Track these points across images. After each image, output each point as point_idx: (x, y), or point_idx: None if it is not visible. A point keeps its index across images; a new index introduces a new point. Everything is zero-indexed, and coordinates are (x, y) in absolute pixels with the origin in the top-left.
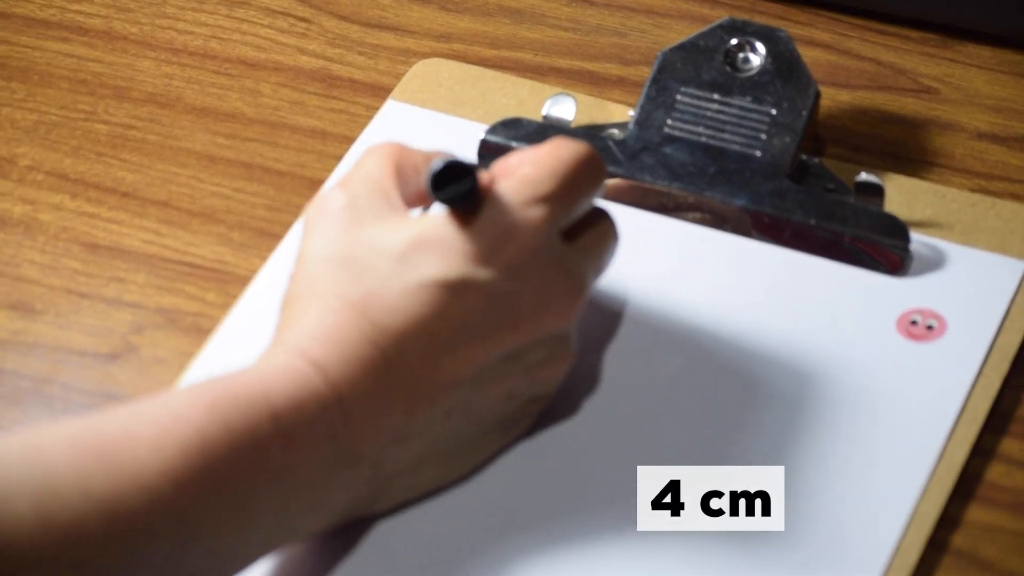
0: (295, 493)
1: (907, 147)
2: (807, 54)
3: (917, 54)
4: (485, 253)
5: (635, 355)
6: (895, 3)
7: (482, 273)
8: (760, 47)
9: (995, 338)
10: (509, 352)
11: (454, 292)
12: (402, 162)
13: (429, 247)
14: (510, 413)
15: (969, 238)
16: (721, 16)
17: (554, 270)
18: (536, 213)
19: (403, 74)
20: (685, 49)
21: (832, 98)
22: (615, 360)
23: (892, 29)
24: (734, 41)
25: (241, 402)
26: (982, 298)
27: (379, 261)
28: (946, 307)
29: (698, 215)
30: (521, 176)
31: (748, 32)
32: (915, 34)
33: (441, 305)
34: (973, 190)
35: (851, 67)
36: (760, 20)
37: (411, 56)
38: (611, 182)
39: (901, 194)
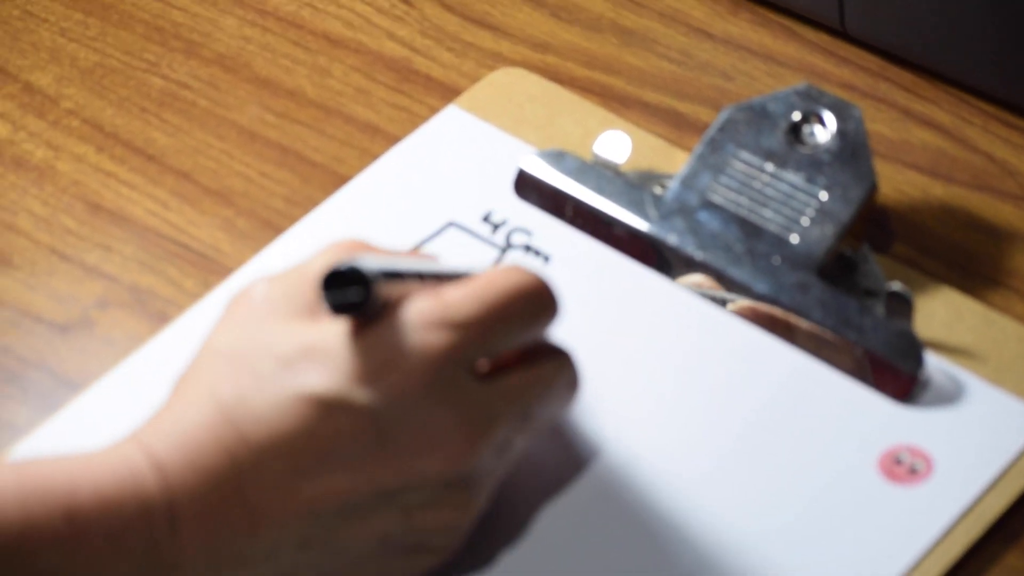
0: None
1: (981, 260)
2: (919, 135)
3: None
4: (369, 373)
5: (595, 435)
6: None
7: (360, 394)
8: (829, 122)
9: (980, 496)
10: (382, 489)
11: (327, 410)
12: None
13: (315, 356)
14: (387, 557)
15: (1000, 376)
16: (844, 76)
17: (446, 408)
18: (437, 339)
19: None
20: (752, 110)
21: (925, 190)
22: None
23: (1022, 123)
24: (801, 112)
25: (40, 491)
26: (984, 449)
27: (265, 363)
28: (940, 450)
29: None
30: (439, 296)
31: (822, 103)
32: None
33: (310, 423)
34: None
35: (959, 158)
36: (885, 87)
37: (500, 61)
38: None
39: (947, 311)
